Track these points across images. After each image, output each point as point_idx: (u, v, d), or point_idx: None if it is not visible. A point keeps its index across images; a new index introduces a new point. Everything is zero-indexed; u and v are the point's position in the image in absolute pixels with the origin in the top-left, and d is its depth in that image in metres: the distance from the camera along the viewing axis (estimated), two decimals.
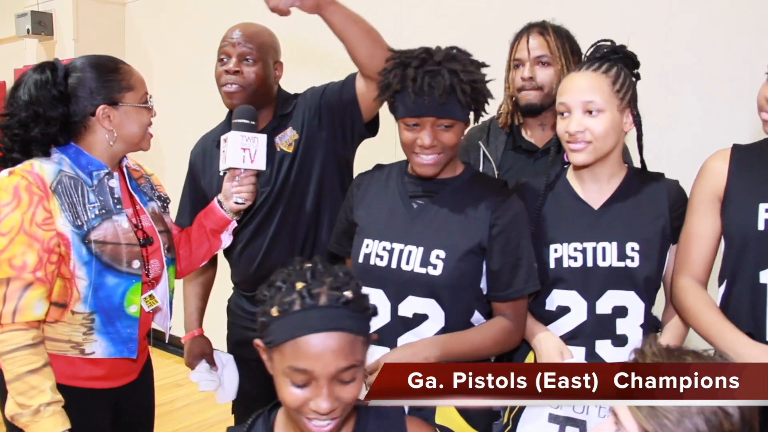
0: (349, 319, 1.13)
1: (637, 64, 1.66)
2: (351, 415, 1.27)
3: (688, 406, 0.97)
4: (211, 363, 2.15)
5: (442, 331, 1.57)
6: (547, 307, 1.65)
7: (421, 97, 1.49)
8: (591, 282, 1.60)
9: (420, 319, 1.58)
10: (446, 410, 1.59)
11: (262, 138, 1.85)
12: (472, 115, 1.60)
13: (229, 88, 1.97)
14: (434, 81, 1.48)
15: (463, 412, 1.60)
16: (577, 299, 1.61)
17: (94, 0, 4.45)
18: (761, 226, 1.49)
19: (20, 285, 1.51)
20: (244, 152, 1.81)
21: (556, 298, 1.64)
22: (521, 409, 1.65)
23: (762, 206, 1.49)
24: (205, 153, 2.12)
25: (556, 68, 1.93)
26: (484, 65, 1.57)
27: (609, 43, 1.65)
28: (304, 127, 2.02)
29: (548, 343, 1.61)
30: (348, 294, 1.14)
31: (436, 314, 1.57)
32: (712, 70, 2.36)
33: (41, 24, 4.34)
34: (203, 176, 2.11)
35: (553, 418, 1.60)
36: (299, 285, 1.14)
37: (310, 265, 1.19)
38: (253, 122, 1.85)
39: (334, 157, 2.04)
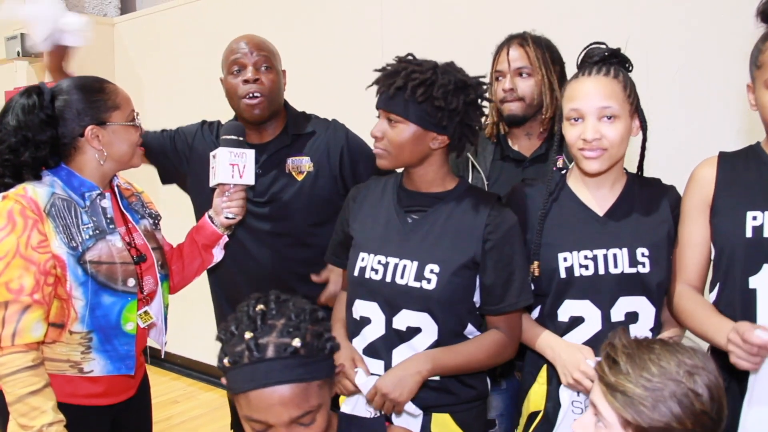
0: (299, 368, 1.12)
1: (631, 68, 1.66)
2: (332, 425, 1.28)
3: (661, 391, 1.01)
4: None
5: (435, 343, 1.58)
6: (560, 318, 1.63)
7: (382, 93, 1.61)
8: (603, 290, 1.59)
9: (413, 332, 1.59)
10: (442, 419, 1.60)
11: (250, 153, 1.86)
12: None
13: (253, 99, 1.98)
14: (390, 79, 1.58)
15: (459, 421, 1.61)
16: (591, 308, 1.60)
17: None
18: (749, 234, 1.49)
19: (18, 308, 1.53)
20: (233, 168, 1.83)
21: (569, 308, 1.62)
22: (540, 425, 1.64)
23: (749, 214, 1.50)
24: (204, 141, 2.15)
25: (536, 79, 1.97)
26: (460, 81, 1.57)
27: (604, 47, 1.63)
28: (320, 166, 2.06)
29: (565, 349, 1.58)
30: (296, 343, 1.12)
31: (429, 328, 1.59)
32: (695, 76, 2.38)
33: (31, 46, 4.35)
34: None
35: None
36: (248, 335, 1.13)
37: (262, 307, 1.17)
38: (241, 138, 1.86)
39: (343, 190, 2.09)
